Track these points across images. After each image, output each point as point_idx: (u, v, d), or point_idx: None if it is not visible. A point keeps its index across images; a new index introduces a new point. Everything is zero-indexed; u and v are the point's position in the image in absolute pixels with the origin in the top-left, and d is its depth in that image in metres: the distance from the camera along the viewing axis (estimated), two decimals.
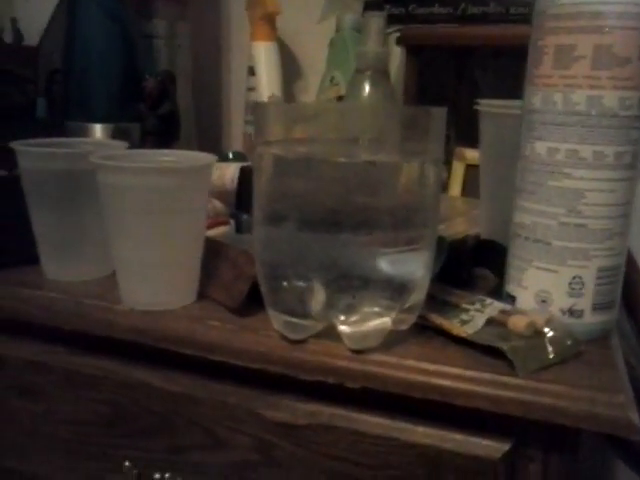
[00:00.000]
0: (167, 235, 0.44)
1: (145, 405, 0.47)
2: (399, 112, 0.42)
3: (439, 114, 0.39)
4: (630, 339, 0.72)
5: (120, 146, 0.51)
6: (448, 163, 0.67)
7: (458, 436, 0.40)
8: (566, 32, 0.39)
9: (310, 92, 0.84)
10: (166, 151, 0.49)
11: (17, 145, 0.46)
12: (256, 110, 0.40)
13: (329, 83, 0.74)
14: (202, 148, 0.82)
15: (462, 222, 0.57)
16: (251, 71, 0.79)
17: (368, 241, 0.39)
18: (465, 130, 0.58)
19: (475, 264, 0.52)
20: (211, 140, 0.87)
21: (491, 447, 0.39)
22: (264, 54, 0.78)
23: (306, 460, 0.43)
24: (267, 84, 0.78)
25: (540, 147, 0.41)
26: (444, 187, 0.66)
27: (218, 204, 0.67)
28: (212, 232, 0.62)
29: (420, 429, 0.41)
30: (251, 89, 0.80)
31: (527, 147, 0.42)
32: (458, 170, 0.63)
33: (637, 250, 0.73)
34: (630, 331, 0.72)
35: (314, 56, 0.83)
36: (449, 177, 0.65)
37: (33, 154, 0.47)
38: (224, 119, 0.92)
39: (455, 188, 0.64)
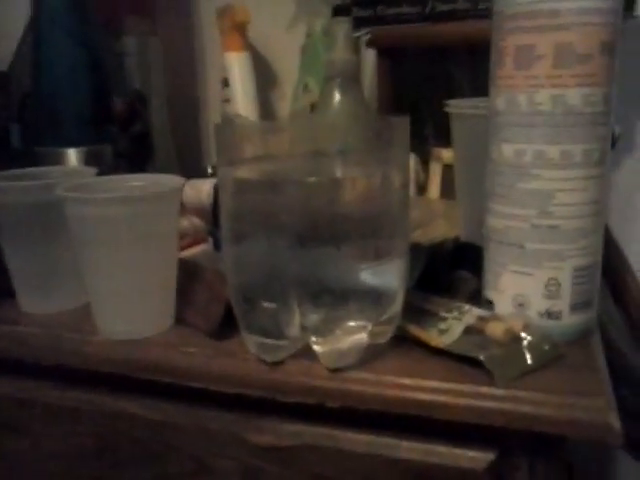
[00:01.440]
0: (138, 263, 0.43)
1: (128, 435, 0.46)
2: (360, 124, 0.41)
3: (402, 123, 0.38)
4: (619, 326, 0.71)
5: (89, 173, 0.50)
6: (426, 164, 0.66)
7: (442, 449, 0.39)
8: (525, 32, 0.38)
9: (286, 99, 0.83)
10: (134, 176, 0.48)
11: None
12: (216, 132, 0.39)
13: (303, 90, 0.73)
14: (182, 164, 0.82)
15: (441, 225, 0.57)
16: (225, 82, 0.79)
17: (338, 256, 0.38)
18: (443, 130, 0.57)
19: (455, 267, 0.51)
20: (191, 154, 0.87)
21: (476, 458, 0.39)
22: (237, 64, 0.77)
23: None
24: (242, 94, 0.77)
25: (507, 149, 0.40)
26: (422, 189, 0.65)
27: (197, 221, 0.67)
28: (191, 251, 0.61)
29: (404, 444, 0.40)
30: (226, 100, 0.79)
31: (494, 150, 0.41)
32: (436, 171, 0.63)
33: (620, 235, 0.72)
34: (619, 318, 0.71)
35: (288, 63, 0.82)
36: (427, 179, 0.64)
37: (1, 188, 0.46)
38: (202, 132, 0.92)
39: (434, 189, 0.63)
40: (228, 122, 0.68)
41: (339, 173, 0.38)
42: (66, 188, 0.43)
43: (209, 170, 0.80)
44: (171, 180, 0.45)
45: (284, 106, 0.85)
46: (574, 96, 0.37)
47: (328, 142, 0.39)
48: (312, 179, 0.37)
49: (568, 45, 0.37)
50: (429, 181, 0.64)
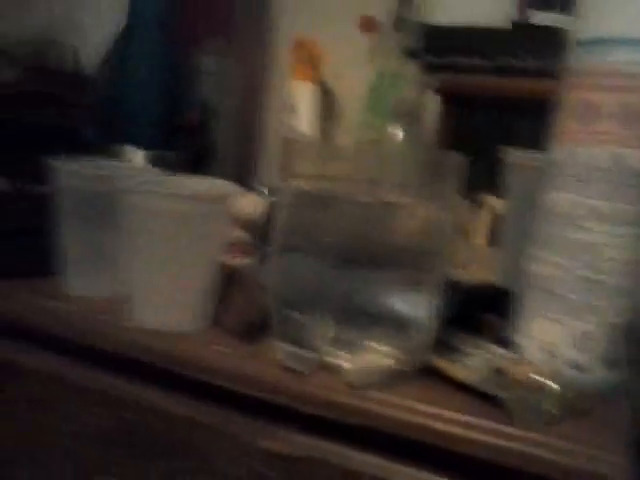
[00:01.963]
0: (184, 259, 0.45)
1: (148, 424, 0.47)
2: (418, 156, 0.43)
3: (457, 161, 0.40)
4: None
5: (154, 172, 0.53)
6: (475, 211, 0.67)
7: None
8: (593, 89, 0.39)
9: (347, 134, 0.85)
10: (193, 178, 0.51)
11: (58, 163, 0.49)
12: (285, 145, 0.42)
13: (365, 127, 0.75)
14: (238, 183, 0.84)
15: (481, 269, 0.57)
16: (291, 109, 0.82)
17: (375, 279, 0.40)
18: (496, 181, 0.59)
19: (489, 311, 0.52)
20: (248, 175, 0.89)
21: None
22: (305, 94, 0.81)
23: None
24: (306, 123, 0.80)
25: (561, 200, 0.41)
26: (467, 235, 0.66)
27: (244, 234, 0.69)
28: (236, 261, 0.63)
29: (416, 474, 0.40)
30: (290, 128, 0.82)
31: (548, 199, 0.42)
32: (484, 218, 0.63)
33: None
34: None
35: (353, 100, 0.85)
36: (473, 225, 0.65)
37: (73, 173, 0.49)
38: (258, 154, 0.95)
39: (480, 236, 0.63)
40: (298, 138, 0.71)
41: (392, 200, 0.39)
42: (134, 181, 0.46)
43: (264, 192, 0.83)
44: (228, 186, 0.48)
45: (344, 140, 0.87)
46: (635, 157, 0.38)
47: (386, 173, 0.40)
48: (364, 199, 0.38)
49: (635, 106, 0.38)
50: (477, 227, 0.65)
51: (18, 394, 0.52)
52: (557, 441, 0.36)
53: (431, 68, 0.67)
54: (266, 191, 0.82)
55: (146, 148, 0.66)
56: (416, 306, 0.42)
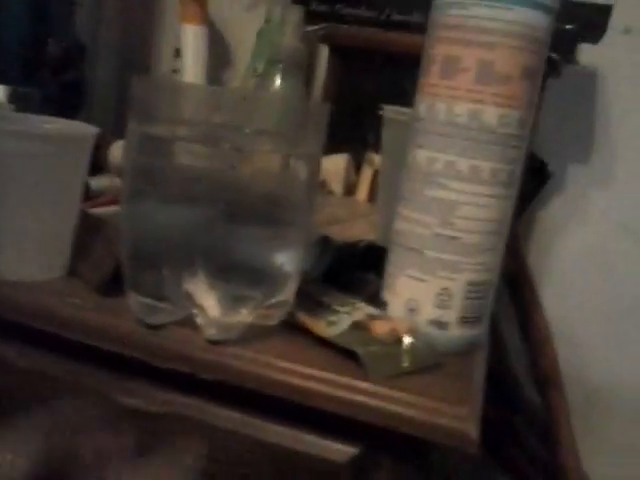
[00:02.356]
0: (36, 204, 0.42)
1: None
2: (285, 104, 0.41)
3: (320, 110, 0.38)
4: (522, 354, 0.73)
5: (5, 108, 0.49)
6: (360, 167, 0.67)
7: (309, 437, 0.39)
8: (453, 43, 0.39)
9: (234, 81, 0.82)
10: (51, 118, 0.47)
11: None
12: (134, 85, 0.39)
13: (252, 73, 0.73)
14: (119, 124, 0.80)
15: (361, 226, 0.57)
16: (177, 53, 0.77)
17: (233, 231, 0.38)
18: (380, 135, 0.58)
19: (364, 268, 0.52)
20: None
21: (339, 450, 0.39)
22: (192, 37, 0.76)
23: (156, 448, 0.42)
24: (191, 67, 0.76)
25: (421, 155, 0.41)
26: (352, 190, 0.66)
27: (119, 182, 0.65)
28: (104, 209, 0.60)
29: (273, 428, 0.40)
30: (175, 71, 0.78)
31: (410, 155, 0.42)
32: (366, 174, 0.63)
33: (537, 274, 0.75)
34: (521, 350, 0.73)
35: (242, 45, 0.81)
36: (358, 181, 0.65)
37: None
38: None
39: (362, 192, 0.63)
40: (148, 78, 0.67)
41: (246, 147, 0.37)
42: None
43: None
44: (85, 128, 0.44)
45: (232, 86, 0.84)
46: (490, 114, 0.38)
47: (245, 119, 0.38)
48: (216, 146, 0.36)
49: (490, 63, 0.38)
50: (359, 183, 0.64)
51: None
52: (408, 395, 0.36)
53: (318, 17, 0.65)
54: None
55: (4, 83, 0.60)
56: (277, 259, 0.40)
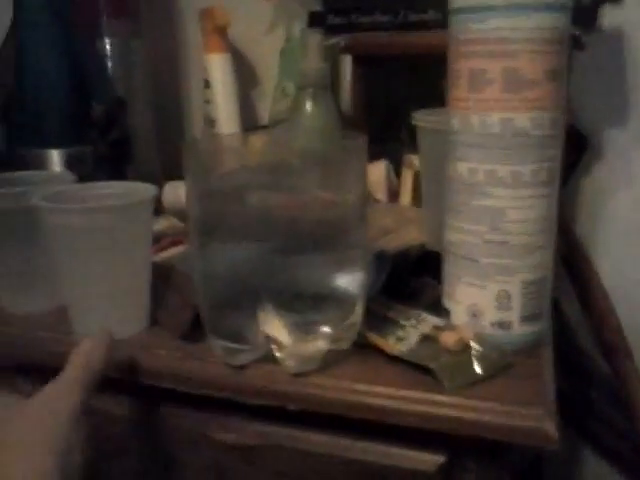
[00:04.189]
0: (110, 269, 0.45)
1: (104, 430, 0.48)
2: (325, 140, 0.43)
3: (358, 145, 0.40)
4: (586, 328, 0.74)
5: (68, 179, 0.52)
6: (400, 170, 0.68)
7: (396, 451, 0.42)
8: (477, 56, 0.40)
9: (266, 101, 0.84)
10: (110, 183, 0.50)
11: None
12: (186, 148, 0.41)
13: (281, 94, 0.75)
14: (165, 164, 0.83)
15: (411, 231, 0.59)
16: (207, 84, 0.80)
17: (299, 265, 0.40)
18: (414, 136, 0.59)
19: (420, 274, 0.54)
20: (174, 154, 0.88)
21: (428, 461, 0.41)
22: (218, 66, 0.79)
23: (257, 478, 0.45)
24: (222, 96, 0.79)
25: (462, 168, 0.42)
26: (395, 195, 0.67)
27: (176, 222, 0.69)
28: (169, 252, 0.63)
29: (360, 445, 0.42)
30: (208, 101, 0.80)
31: (450, 167, 0.43)
32: (407, 178, 0.64)
33: (588, 243, 0.75)
34: (585, 325, 0.74)
35: (268, 66, 0.83)
36: (399, 185, 0.66)
37: None
38: (186, 132, 0.93)
39: (405, 196, 0.65)
40: (196, 140, 0.70)
41: (299, 186, 0.40)
42: (42, 197, 0.44)
43: None
44: (144, 189, 0.47)
45: (264, 107, 0.86)
46: (522, 119, 0.39)
47: (292, 156, 0.41)
48: (272, 194, 0.39)
49: (515, 71, 0.39)
50: (401, 188, 0.66)
51: None
52: (484, 402, 0.38)
53: (336, 29, 0.67)
54: None
55: (60, 147, 0.64)
56: (343, 284, 0.43)
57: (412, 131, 0.71)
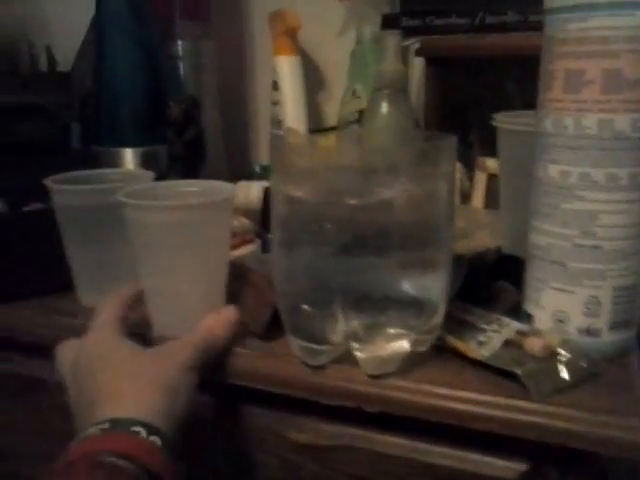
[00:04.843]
0: (191, 266, 0.45)
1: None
2: (407, 141, 0.43)
3: (449, 145, 0.40)
4: None
5: (147, 177, 0.53)
6: (471, 172, 0.67)
7: (475, 457, 0.41)
8: (575, 57, 0.39)
9: (333, 103, 0.84)
10: (189, 182, 0.50)
11: (49, 182, 0.49)
12: (272, 145, 0.42)
13: (351, 96, 0.75)
14: (231, 163, 0.84)
15: (485, 235, 0.58)
16: (275, 85, 0.81)
17: (382, 265, 0.40)
18: (489, 138, 0.58)
19: (497, 278, 0.53)
20: (239, 155, 0.89)
21: (507, 468, 0.40)
22: (287, 68, 0.79)
23: (329, 479, 0.45)
24: (290, 97, 0.79)
25: (553, 170, 0.41)
26: (467, 198, 0.66)
27: (246, 222, 0.69)
28: (239, 251, 0.63)
29: (437, 450, 0.42)
30: (275, 103, 0.81)
31: (540, 169, 0.42)
32: (480, 180, 0.63)
33: None
34: None
35: (337, 68, 0.84)
36: (471, 187, 0.65)
37: (65, 191, 0.49)
38: (251, 134, 0.94)
39: (478, 199, 0.64)
40: (281, 137, 0.70)
41: (385, 190, 0.39)
42: (126, 194, 0.45)
43: (257, 169, 0.83)
44: (225, 188, 0.47)
45: (332, 110, 0.86)
46: (621, 121, 0.38)
47: (375, 158, 0.40)
48: (357, 201, 0.38)
49: (617, 71, 0.37)
50: (474, 190, 0.65)
51: (50, 405, 0.53)
52: (573, 411, 0.37)
53: (410, 32, 0.66)
54: (258, 169, 0.82)
55: (134, 146, 0.65)
56: (425, 287, 0.42)
57: (483, 134, 0.69)
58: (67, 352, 0.44)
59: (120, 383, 0.39)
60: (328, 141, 0.48)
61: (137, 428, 0.35)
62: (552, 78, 0.40)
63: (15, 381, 0.55)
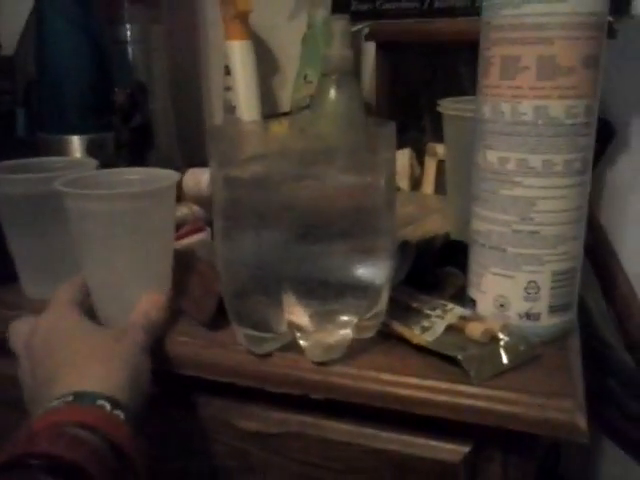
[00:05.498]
0: (133, 255, 0.45)
1: None
2: (350, 126, 0.43)
3: (387, 131, 0.40)
4: (609, 321, 0.73)
5: (90, 165, 0.52)
6: (423, 158, 0.67)
7: (421, 441, 0.41)
8: (510, 43, 0.39)
9: (287, 88, 0.84)
10: (131, 169, 0.50)
11: None
12: (209, 132, 0.41)
13: (303, 81, 0.74)
14: (184, 150, 0.83)
15: (434, 220, 0.58)
16: (227, 70, 0.79)
17: (323, 253, 0.40)
18: (439, 124, 0.59)
19: (444, 263, 0.53)
20: (193, 141, 0.88)
21: (452, 451, 0.41)
22: (239, 53, 0.78)
23: (279, 466, 0.45)
24: (243, 82, 0.78)
25: (491, 156, 0.41)
26: (418, 183, 0.66)
27: (197, 209, 0.68)
28: (189, 239, 0.63)
29: (384, 435, 0.42)
30: (228, 88, 0.80)
31: (479, 155, 0.43)
32: (431, 166, 0.64)
33: (613, 234, 0.74)
34: (607, 313, 0.73)
35: (290, 52, 0.83)
36: (422, 173, 0.65)
37: (3, 180, 0.48)
38: (205, 119, 0.93)
39: (428, 185, 0.64)
40: (220, 126, 0.69)
41: (326, 174, 0.39)
42: (64, 182, 0.44)
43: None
44: (167, 175, 0.47)
45: (285, 94, 0.86)
46: (556, 108, 0.39)
47: (315, 145, 0.40)
48: (299, 183, 0.38)
49: (551, 58, 0.38)
50: (424, 176, 0.65)
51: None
52: (512, 393, 0.38)
53: (360, 16, 0.66)
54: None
55: (80, 133, 0.64)
56: (369, 273, 0.42)
57: (434, 119, 0.70)
58: (21, 328, 0.44)
59: (82, 358, 0.39)
60: (273, 127, 0.48)
61: (101, 402, 0.35)
62: (489, 64, 0.40)
63: None
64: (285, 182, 0.39)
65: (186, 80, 0.90)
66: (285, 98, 0.86)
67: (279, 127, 0.47)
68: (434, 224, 0.58)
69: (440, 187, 0.65)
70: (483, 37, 0.41)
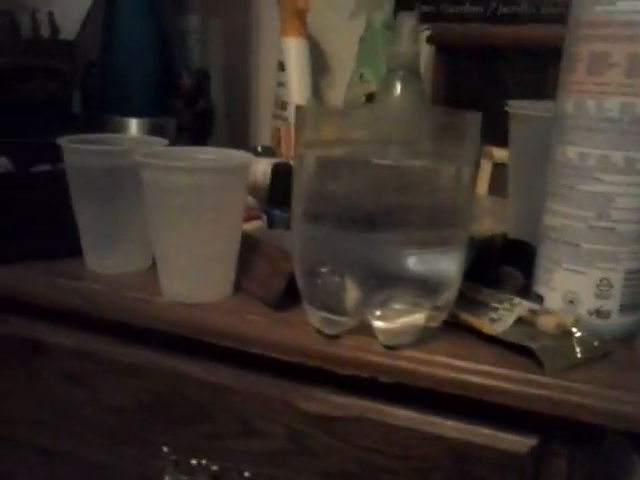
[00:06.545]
0: (206, 231, 0.45)
1: (184, 394, 0.49)
2: (435, 116, 0.43)
3: (474, 119, 0.40)
4: None
5: (160, 143, 0.53)
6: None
7: (486, 430, 0.41)
8: (600, 40, 0.39)
9: (338, 88, 0.85)
10: (205, 148, 0.50)
11: (63, 142, 0.48)
12: (297, 112, 0.42)
13: (358, 80, 0.75)
14: (231, 142, 0.84)
15: (489, 221, 0.59)
16: (281, 66, 0.81)
17: (402, 240, 0.40)
18: (492, 128, 0.59)
19: (503, 263, 0.53)
20: (239, 134, 0.89)
21: (518, 442, 0.41)
22: (294, 50, 0.79)
23: (339, 450, 0.45)
24: (296, 79, 0.79)
25: (571, 152, 0.42)
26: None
27: (250, 199, 0.69)
28: (245, 226, 0.63)
29: (449, 423, 0.42)
30: (281, 84, 0.81)
31: (558, 151, 0.43)
32: (485, 168, 0.64)
33: None
34: None
35: (343, 53, 0.84)
36: (476, 175, 0.66)
37: (79, 151, 0.49)
38: (253, 113, 0.94)
39: (481, 186, 0.64)
40: (309, 105, 0.70)
41: (413, 161, 0.40)
42: (144, 154, 0.45)
43: (258, 149, 0.83)
44: (242, 155, 0.47)
45: (334, 95, 0.86)
46: None
47: (401, 132, 0.41)
48: (388, 163, 0.39)
49: None
50: (478, 178, 0.66)
51: (53, 371, 0.53)
52: (587, 386, 0.38)
53: (423, 18, 0.67)
54: (260, 149, 0.82)
55: (143, 116, 0.65)
56: (443, 263, 0.42)
57: (488, 123, 0.70)
58: None
59: None
60: (357, 112, 0.48)
61: None
62: (575, 60, 0.41)
63: (13, 343, 0.54)
64: (373, 164, 0.39)
65: (238, 74, 0.91)
66: (333, 98, 0.87)
67: (363, 113, 0.47)
68: (490, 223, 0.58)
69: (493, 190, 0.65)
70: (570, 33, 0.41)
